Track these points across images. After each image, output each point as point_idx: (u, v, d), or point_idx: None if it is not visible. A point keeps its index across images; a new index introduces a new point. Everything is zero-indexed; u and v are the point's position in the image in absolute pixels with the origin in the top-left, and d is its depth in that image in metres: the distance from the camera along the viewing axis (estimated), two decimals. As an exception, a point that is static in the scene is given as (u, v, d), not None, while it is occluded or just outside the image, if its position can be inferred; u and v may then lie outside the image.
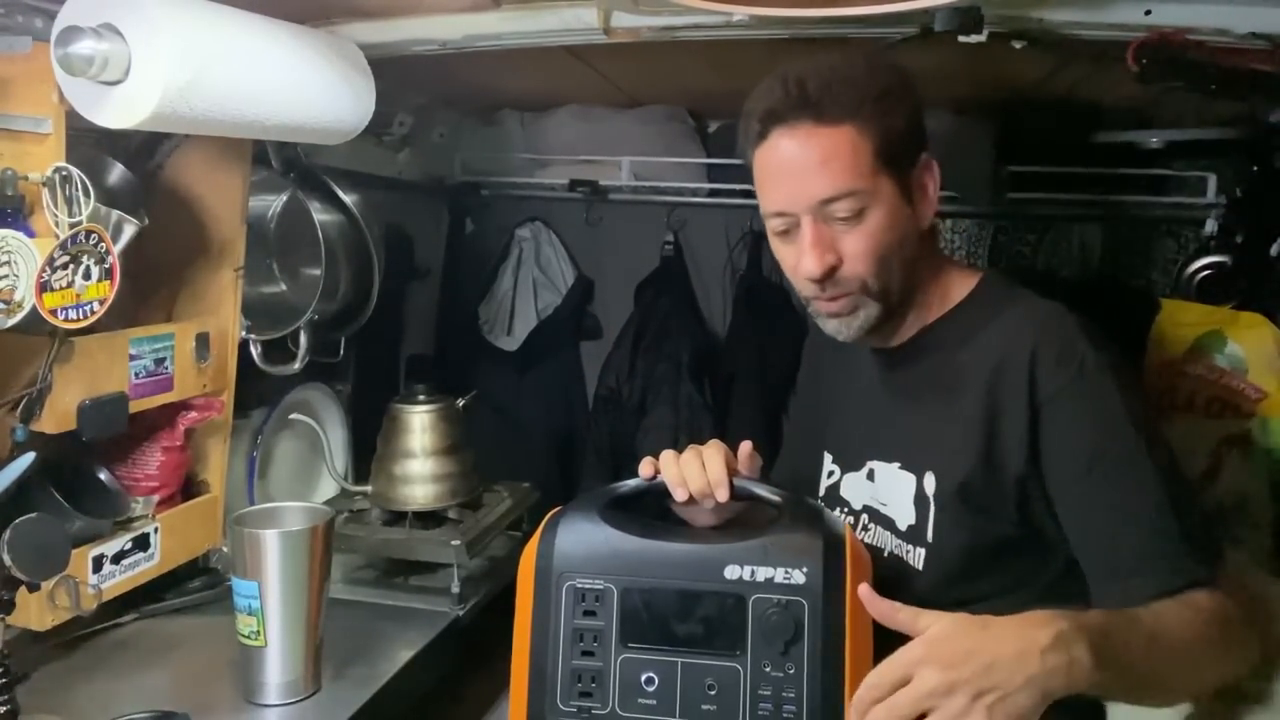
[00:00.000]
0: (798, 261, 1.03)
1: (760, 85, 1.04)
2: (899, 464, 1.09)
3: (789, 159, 1.01)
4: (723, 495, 1.03)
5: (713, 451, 1.06)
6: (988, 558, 1.01)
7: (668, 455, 1.07)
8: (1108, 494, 0.95)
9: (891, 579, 0.97)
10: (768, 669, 0.90)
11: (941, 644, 0.79)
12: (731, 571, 0.93)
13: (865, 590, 0.88)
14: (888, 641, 0.93)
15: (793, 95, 1.00)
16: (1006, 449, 0.99)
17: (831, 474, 1.20)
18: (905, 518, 1.07)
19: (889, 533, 1.09)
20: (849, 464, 1.17)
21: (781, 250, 1.07)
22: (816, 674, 0.89)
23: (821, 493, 1.21)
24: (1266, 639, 1.03)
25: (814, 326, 1.35)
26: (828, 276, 1.02)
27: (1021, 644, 0.78)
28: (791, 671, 0.90)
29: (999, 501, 1.00)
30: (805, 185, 1.00)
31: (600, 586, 0.95)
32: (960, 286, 1.10)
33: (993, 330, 1.03)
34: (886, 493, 1.10)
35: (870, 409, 1.16)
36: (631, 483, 1.07)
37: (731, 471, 1.05)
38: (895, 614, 0.85)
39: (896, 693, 0.78)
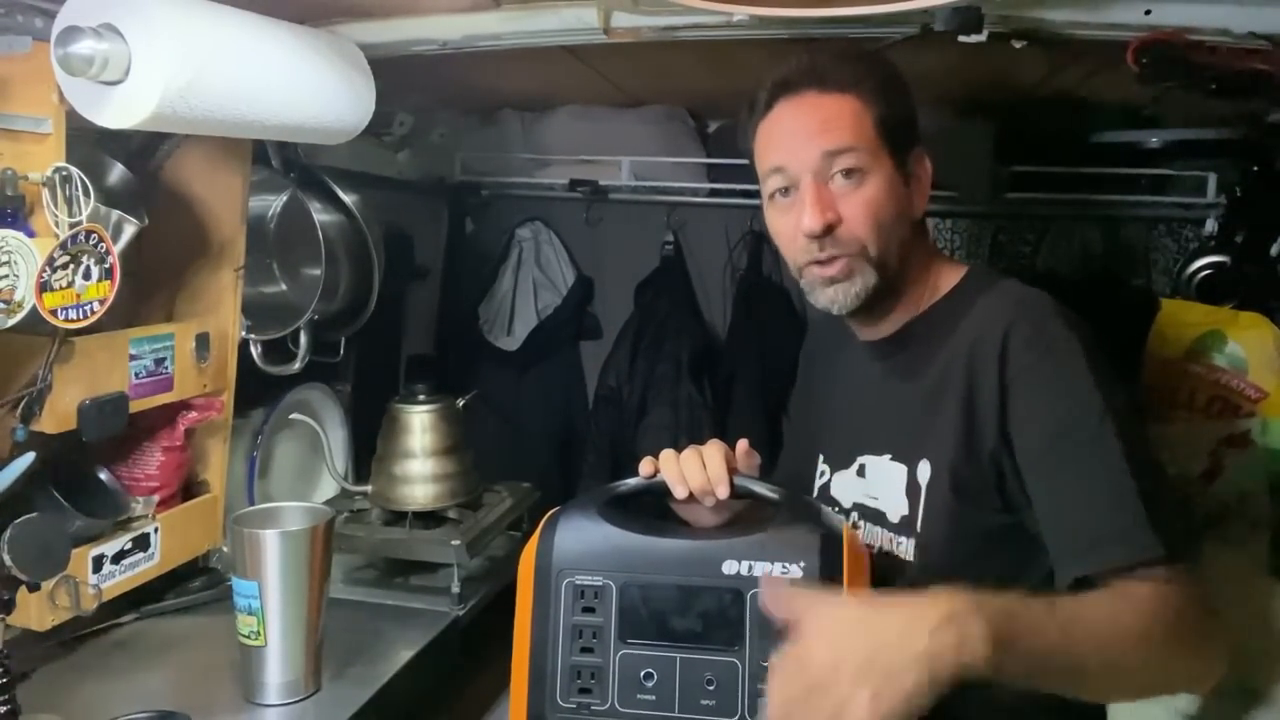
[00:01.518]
0: (797, 222, 1.05)
1: (770, 71, 1.09)
2: (889, 455, 1.09)
3: (793, 121, 1.06)
4: (723, 492, 1.03)
5: (712, 450, 1.06)
6: (976, 549, 1.01)
7: (667, 454, 1.07)
8: (1069, 470, 0.95)
9: (883, 575, 0.98)
10: (766, 664, 0.90)
11: (828, 623, 0.78)
12: (729, 567, 0.93)
13: (768, 579, 0.90)
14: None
15: (801, 66, 1.06)
16: (981, 427, 1.00)
17: (822, 474, 1.21)
18: (898, 509, 1.07)
19: (880, 528, 1.09)
20: (838, 463, 1.18)
21: (779, 220, 1.09)
22: None
23: (814, 495, 1.21)
24: (1265, 638, 1.03)
25: (810, 330, 1.36)
26: (827, 233, 1.03)
27: (909, 621, 0.76)
28: None
29: (982, 485, 1.00)
30: (809, 141, 1.04)
31: (599, 583, 0.96)
32: (948, 279, 1.12)
33: (975, 315, 1.05)
34: (878, 486, 1.10)
35: (860, 404, 1.17)
36: (631, 481, 1.08)
37: (731, 469, 1.05)
38: (793, 600, 0.83)
39: (790, 672, 0.77)
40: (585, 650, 0.95)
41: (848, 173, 1.03)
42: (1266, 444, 1.48)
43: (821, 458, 1.22)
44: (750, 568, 0.93)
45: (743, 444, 1.12)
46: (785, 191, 1.07)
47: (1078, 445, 0.95)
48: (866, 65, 1.07)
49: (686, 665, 0.93)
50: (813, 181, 1.04)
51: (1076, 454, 0.95)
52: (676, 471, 1.05)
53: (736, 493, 1.04)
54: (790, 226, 1.07)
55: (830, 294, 1.07)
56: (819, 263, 1.06)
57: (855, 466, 1.14)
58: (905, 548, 1.06)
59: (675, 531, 1.00)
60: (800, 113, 1.06)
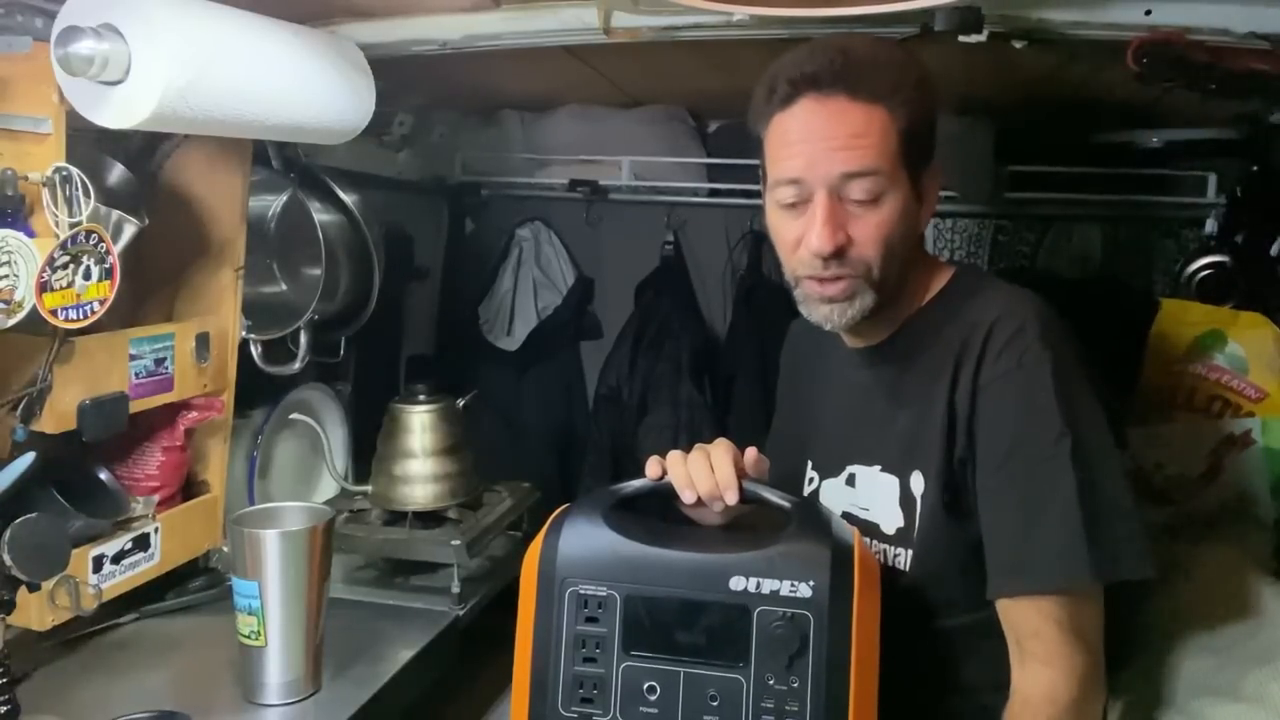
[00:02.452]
0: (804, 235, 1.00)
1: (794, 52, 1.02)
2: (880, 466, 1.08)
3: (818, 127, 0.99)
4: (732, 498, 1.01)
5: (720, 452, 1.04)
6: (970, 559, 1.00)
7: (675, 456, 1.05)
8: (1015, 489, 0.95)
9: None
10: (771, 682, 0.89)
11: None
12: (737, 582, 0.91)
13: None
14: (893, 656, 0.93)
15: (835, 65, 0.98)
16: (959, 434, 0.99)
17: (811, 481, 1.20)
18: (893, 521, 1.06)
19: (869, 538, 1.07)
20: (827, 470, 1.16)
21: (783, 225, 1.04)
22: (821, 688, 0.88)
23: None
24: (1264, 640, 1.03)
25: (791, 334, 1.33)
26: (836, 256, 0.99)
27: None
28: (795, 685, 0.89)
29: (967, 492, 1.00)
30: (830, 156, 0.98)
31: (603, 593, 0.94)
32: (936, 282, 1.10)
33: (960, 321, 1.02)
34: (868, 497, 1.09)
35: (848, 413, 1.15)
36: (636, 483, 1.06)
37: (740, 473, 1.03)
38: None
39: None
40: (588, 660, 0.94)
41: (865, 192, 0.98)
42: (1266, 444, 1.48)
43: (810, 464, 1.21)
44: (758, 584, 0.91)
45: (752, 451, 1.08)
46: (792, 205, 1.02)
47: (1028, 465, 0.94)
48: (901, 73, 1.00)
49: (690, 680, 0.91)
50: (827, 198, 0.98)
51: (1024, 474, 0.95)
52: (685, 475, 1.03)
53: (746, 499, 1.03)
54: (794, 235, 1.02)
55: (825, 311, 1.04)
56: (819, 279, 1.02)
57: (845, 476, 1.12)
58: (901, 559, 1.05)
59: (682, 543, 0.97)
60: (825, 118, 0.98)
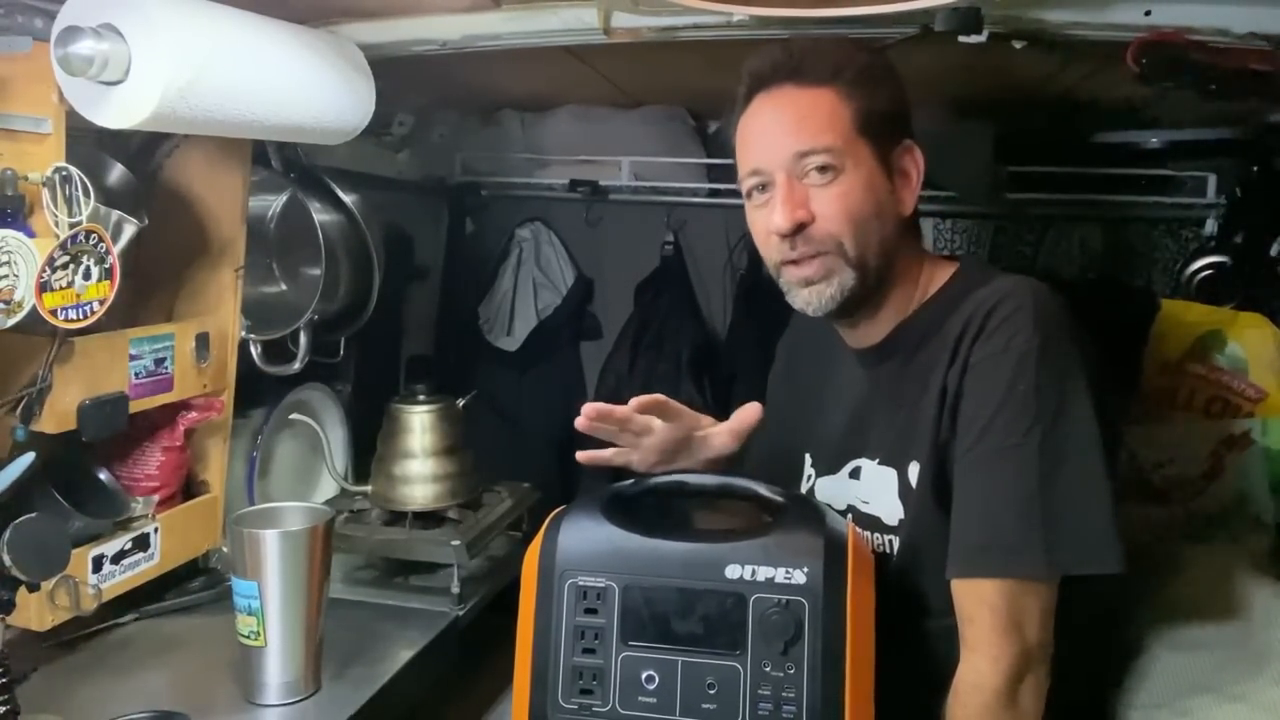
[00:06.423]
0: (769, 221, 1.03)
1: (747, 59, 1.07)
2: (879, 459, 1.08)
3: (770, 118, 1.04)
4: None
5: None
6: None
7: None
8: (980, 473, 0.96)
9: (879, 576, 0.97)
10: (768, 668, 0.90)
11: None
12: (732, 571, 0.93)
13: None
14: (889, 642, 0.93)
15: (776, 59, 1.04)
16: (946, 411, 0.99)
17: (809, 477, 1.20)
18: (894, 513, 1.06)
19: (871, 531, 1.08)
20: (826, 467, 1.17)
21: (756, 219, 1.08)
22: (816, 674, 0.89)
23: None
24: (1263, 641, 1.03)
25: (793, 325, 1.34)
26: (797, 232, 1.01)
27: None
28: (791, 671, 0.90)
29: (949, 475, 1.00)
30: (781, 140, 1.02)
31: (602, 584, 0.96)
32: (938, 278, 1.10)
33: (962, 311, 1.02)
34: (870, 490, 1.09)
35: (854, 412, 1.15)
36: (636, 482, 1.08)
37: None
38: None
39: None
40: (587, 651, 0.95)
41: (822, 169, 1.01)
42: (1266, 444, 1.49)
43: (809, 460, 1.21)
44: (753, 572, 0.92)
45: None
46: (762, 188, 1.06)
47: (996, 451, 0.94)
48: (846, 55, 1.04)
49: (688, 669, 0.93)
50: (785, 180, 1.02)
51: (991, 459, 0.95)
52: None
53: (743, 495, 1.04)
54: (764, 225, 1.05)
55: (806, 295, 1.06)
56: (794, 262, 1.04)
57: (848, 470, 1.13)
58: (897, 547, 1.06)
59: (678, 534, 0.99)
60: (775, 109, 1.04)
